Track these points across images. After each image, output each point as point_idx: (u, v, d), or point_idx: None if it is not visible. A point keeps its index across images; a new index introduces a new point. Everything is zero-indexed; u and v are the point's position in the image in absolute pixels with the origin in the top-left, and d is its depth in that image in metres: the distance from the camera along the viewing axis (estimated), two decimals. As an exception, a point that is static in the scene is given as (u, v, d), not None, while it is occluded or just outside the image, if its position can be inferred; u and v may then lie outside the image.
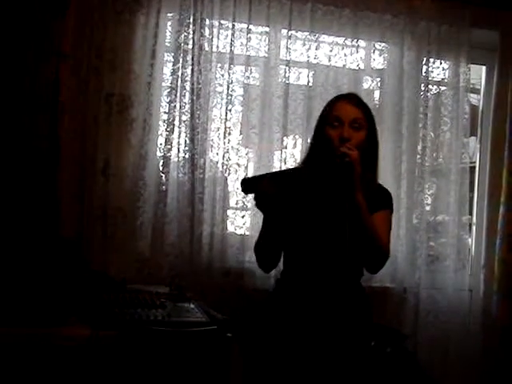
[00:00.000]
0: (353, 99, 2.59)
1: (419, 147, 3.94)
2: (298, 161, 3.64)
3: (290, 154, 3.76)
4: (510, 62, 4.11)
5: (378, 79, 3.94)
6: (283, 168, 3.65)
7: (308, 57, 3.75)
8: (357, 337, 2.51)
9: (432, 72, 4.00)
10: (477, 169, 4.35)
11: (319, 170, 2.53)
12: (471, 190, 4.27)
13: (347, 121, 2.48)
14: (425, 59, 3.97)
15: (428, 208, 4.00)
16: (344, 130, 2.46)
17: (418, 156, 3.93)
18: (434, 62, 4.01)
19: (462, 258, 4.08)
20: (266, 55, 3.72)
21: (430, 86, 3.98)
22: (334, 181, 2.43)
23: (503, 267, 4.07)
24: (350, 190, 2.37)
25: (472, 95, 4.32)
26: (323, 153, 2.50)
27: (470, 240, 4.22)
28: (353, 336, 2.48)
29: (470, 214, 4.27)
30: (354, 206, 2.37)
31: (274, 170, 3.53)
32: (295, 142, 3.81)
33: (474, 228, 4.29)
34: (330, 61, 3.80)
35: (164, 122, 3.56)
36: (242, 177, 3.60)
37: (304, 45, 3.77)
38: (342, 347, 2.45)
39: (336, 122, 2.49)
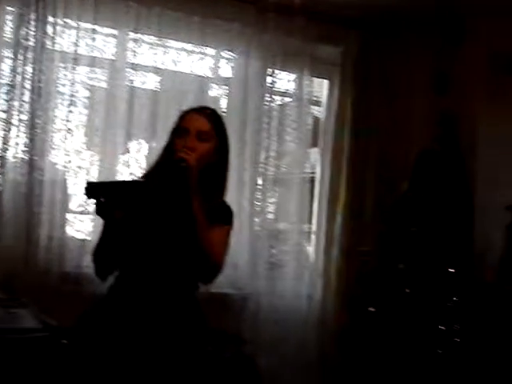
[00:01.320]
0: (203, 111, 2.63)
1: (262, 156, 4.15)
2: (144, 169, 3.71)
3: (134, 158, 3.84)
4: (350, 77, 4.46)
5: (225, 87, 4.12)
6: (128, 172, 3.73)
7: (155, 61, 3.85)
8: (189, 343, 2.55)
9: (276, 83, 4.23)
10: (317, 179, 4.62)
11: (159, 178, 2.56)
12: (312, 200, 4.54)
13: (193, 131, 2.51)
14: (270, 70, 4.19)
15: (270, 216, 4.22)
16: (188, 139, 2.49)
17: (261, 165, 4.14)
18: (279, 74, 4.24)
19: (301, 266, 4.33)
20: (112, 57, 3.77)
21: (274, 97, 4.23)
22: (171, 187, 2.46)
23: (340, 275, 4.37)
24: (186, 195, 2.40)
25: (315, 108, 4.62)
26: (166, 161, 2.52)
27: (309, 248, 4.48)
28: (185, 343, 2.53)
29: (310, 222, 4.54)
30: (189, 211, 2.41)
31: (119, 179, 3.58)
32: (139, 147, 3.89)
33: (313, 236, 4.56)
34: (176, 66, 3.92)
35: (1, 120, 3.49)
36: (83, 180, 3.63)
37: (151, 49, 3.86)
38: (172, 354, 2.48)
39: (183, 132, 2.53)
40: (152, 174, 2.60)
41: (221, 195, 2.61)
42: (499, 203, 3.94)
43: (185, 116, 2.59)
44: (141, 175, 2.74)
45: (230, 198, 2.77)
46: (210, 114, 2.60)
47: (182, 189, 2.37)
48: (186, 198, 2.36)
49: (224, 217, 2.59)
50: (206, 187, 2.48)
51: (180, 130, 2.54)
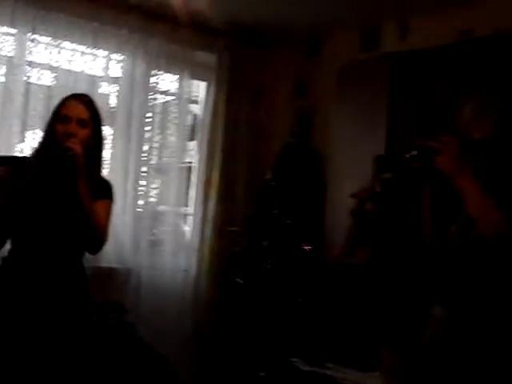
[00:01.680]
0: (81, 99, 2.74)
1: (146, 148, 4.47)
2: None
3: (30, 146, 3.90)
4: (224, 80, 4.84)
5: (114, 86, 4.39)
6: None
7: (50, 60, 4.09)
8: (76, 313, 2.72)
9: (160, 83, 4.55)
10: (194, 168, 4.95)
11: (46, 162, 2.69)
12: (189, 186, 4.87)
13: (74, 118, 2.64)
14: (155, 72, 4.51)
15: (152, 200, 4.55)
16: (70, 126, 2.62)
17: (145, 155, 4.47)
18: (162, 75, 4.56)
19: (178, 244, 4.68)
20: (11, 55, 3.96)
21: (158, 96, 4.55)
22: (59, 172, 2.64)
23: (212, 252, 4.77)
24: (73, 179, 2.59)
25: (193, 105, 4.96)
26: (51, 146, 2.68)
27: (186, 228, 4.82)
28: (72, 312, 2.70)
29: (187, 206, 4.88)
30: (76, 193, 2.60)
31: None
32: (35, 136, 4.00)
33: (189, 218, 4.90)
34: (70, 65, 4.15)
35: None
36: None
37: (47, 49, 4.09)
38: (60, 323, 2.65)
39: (64, 118, 2.64)
40: (38, 157, 2.73)
41: (99, 173, 2.81)
42: (346, 191, 4.11)
43: (65, 103, 2.71)
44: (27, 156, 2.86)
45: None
46: (88, 102, 2.74)
47: (69, 174, 2.58)
48: (73, 181, 2.57)
49: (105, 192, 2.80)
50: (88, 167, 2.65)
51: (61, 117, 2.65)
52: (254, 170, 5.01)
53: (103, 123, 2.81)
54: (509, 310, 2.41)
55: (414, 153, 2.53)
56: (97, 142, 2.75)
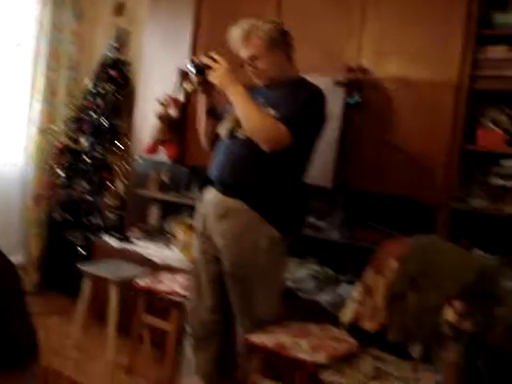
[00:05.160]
0: None
1: None
2: None
3: None
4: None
5: None
6: None
7: None
8: None
9: None
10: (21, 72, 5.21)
11: None
12: (16, 89, 5.16)
13: None
14: None
15: None
16: None
17: None
18: None
19: (7, 140, 5.10)
20: None
21: None
22: None
23: (37, 148, 5.26)
24: None
25: (21, 16, 5.11)
26: None
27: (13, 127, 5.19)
28: None
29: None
30: None
31: None
32: None
33: (17, 118, 5.23)
34: None
35: None
36: None
37: None
38: None
39: None
40: None
41: None
42: (153, 93, 4.42)
43: None
44: None
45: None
46: None
47: None
48: None
49: None
50: None
51: None
52: (75, 76, 5.47)
53: None
54: None
55: (190, 68, 2.87)
56: None
